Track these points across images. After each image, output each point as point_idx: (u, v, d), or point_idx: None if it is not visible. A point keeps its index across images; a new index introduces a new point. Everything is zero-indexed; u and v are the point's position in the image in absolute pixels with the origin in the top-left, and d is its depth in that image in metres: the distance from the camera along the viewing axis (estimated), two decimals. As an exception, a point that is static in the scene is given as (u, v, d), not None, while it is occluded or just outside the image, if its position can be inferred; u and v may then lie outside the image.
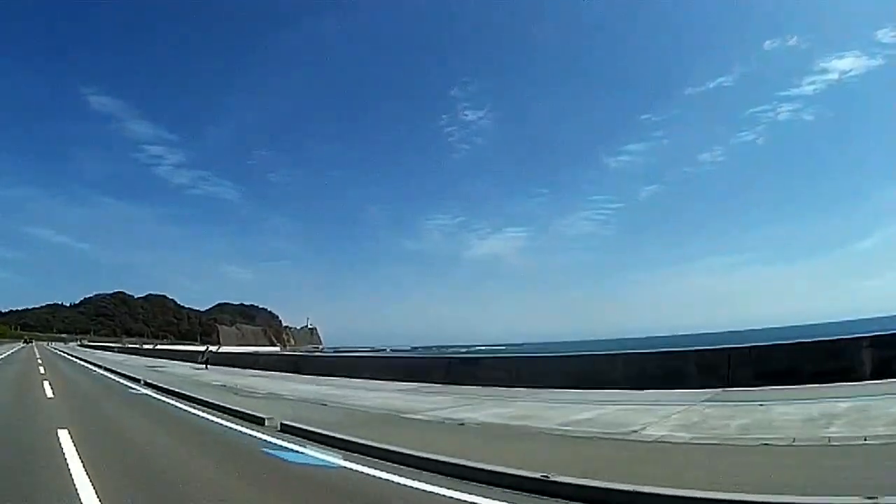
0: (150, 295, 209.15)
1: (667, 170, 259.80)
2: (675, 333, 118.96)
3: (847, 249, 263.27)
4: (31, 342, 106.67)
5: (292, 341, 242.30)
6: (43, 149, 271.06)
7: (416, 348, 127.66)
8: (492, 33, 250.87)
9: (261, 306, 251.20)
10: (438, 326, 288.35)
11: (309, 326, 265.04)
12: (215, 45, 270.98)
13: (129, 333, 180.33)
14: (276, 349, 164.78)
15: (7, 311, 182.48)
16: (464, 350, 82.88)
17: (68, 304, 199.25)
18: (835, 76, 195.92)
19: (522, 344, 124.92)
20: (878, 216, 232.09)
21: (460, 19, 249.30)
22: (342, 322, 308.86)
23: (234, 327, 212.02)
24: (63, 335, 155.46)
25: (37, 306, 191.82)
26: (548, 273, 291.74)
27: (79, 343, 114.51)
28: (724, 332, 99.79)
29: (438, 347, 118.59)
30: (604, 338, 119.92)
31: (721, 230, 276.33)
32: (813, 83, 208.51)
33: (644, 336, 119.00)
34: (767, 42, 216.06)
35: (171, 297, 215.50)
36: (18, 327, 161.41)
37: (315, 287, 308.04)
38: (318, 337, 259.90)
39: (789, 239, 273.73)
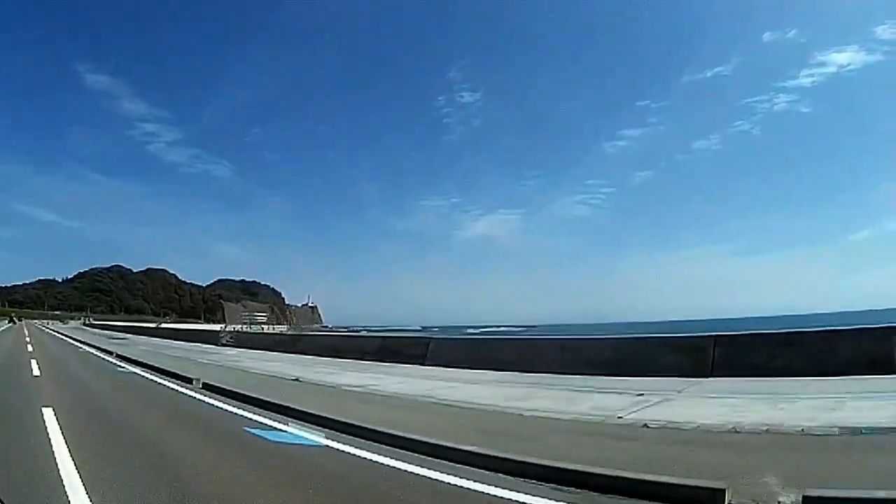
0: (150, 269, 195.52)
1: (662, 156, 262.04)
2: (665, 319, 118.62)
3: (840, 242, 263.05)
4: (22, 321, 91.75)
5: (294, 320, 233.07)
6: (36, 126, 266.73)
7: (426, 328, 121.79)
8: (491, 16, 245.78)
9: (262, 283, 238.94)
10: (434, 306, 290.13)
11: (310, 304, 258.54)
12: (211, 22, 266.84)
13: (127, 310, 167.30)
14: (286, 328, 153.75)
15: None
16: (478, 331, 77.03)
17: (61, 280, 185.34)
18: (833, 70, 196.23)
19: (535, 326, 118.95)
20: (872, 210, 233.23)
21: (457, 2, 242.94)
22: (339, 301, 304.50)
23: (240, 304, 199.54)
24: (57, 312, 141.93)
25: (27, 282, 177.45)
26: (541, 255, 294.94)
27: (84, 322, 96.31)
28: (710, 320, 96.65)
29: (444, 328, 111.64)
30: (595, 322, 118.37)
31: (713, 218, 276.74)
32: (811, 76, 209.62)
33: (634, 321, 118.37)
34: (767, 34, 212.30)
35: (171, 272, 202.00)
36: (6, 304, 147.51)
37: (312, 266, 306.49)
38: (319, 315, 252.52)
39: (780, 230, 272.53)
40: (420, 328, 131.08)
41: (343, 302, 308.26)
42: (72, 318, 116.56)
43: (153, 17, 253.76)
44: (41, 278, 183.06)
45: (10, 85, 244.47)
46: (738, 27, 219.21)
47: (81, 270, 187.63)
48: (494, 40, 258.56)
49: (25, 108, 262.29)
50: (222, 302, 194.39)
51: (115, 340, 31.41)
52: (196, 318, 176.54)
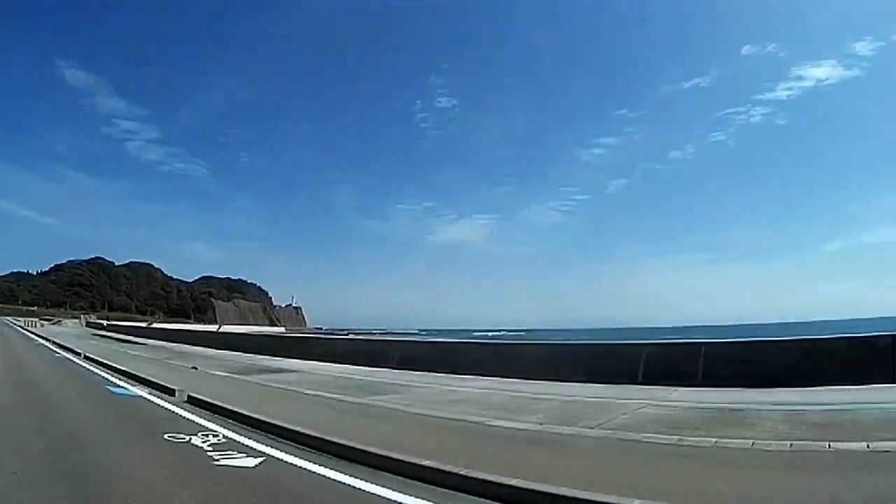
0: (133, 263, 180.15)
1: (637, 165, 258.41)
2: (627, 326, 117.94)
3: (810, 253, 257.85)
4: None
5: (281, 321, 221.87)
6: (12, 122, 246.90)
7: (421, 332, 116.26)
8: (472, 22, 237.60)
9: (249, 281, 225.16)
10: (411, 308, 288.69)
11: (294, 305, 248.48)
12: (192, 21, 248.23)
13: (111, 307, 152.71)
14: (283, 329, 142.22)
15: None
16: (485, 335, 71.91)
17: (35, 273, 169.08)
18: (810, 84, 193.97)
19: (535, 330, 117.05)
20: (843, 222, 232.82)
21: (439, 5, 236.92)
22: (318, 302, 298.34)
23: (231, 303, 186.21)
24: (33, 308, 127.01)
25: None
26: (515, 260, 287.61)
27: (87, 323, 76.74)
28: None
29: (442, 332, 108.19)
30: (566, 327, 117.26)
31: (685, 228, 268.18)
32: (788, 89, 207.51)
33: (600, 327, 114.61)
34: (746, 47, 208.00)
35: (157, 267, 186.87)
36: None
37: (290, 267, 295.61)
38: (303, 317, 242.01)
39: (753, 240, 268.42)
40: (417, 331, 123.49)
41: (322, 303, 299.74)
42: (54, 317, 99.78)
43: (134, 15, 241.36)
44: (14, 270, 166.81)
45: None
46: (718, 40, 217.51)
47: (59, 262, 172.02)
48: (473, 47, 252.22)
49: (2, 105, 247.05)
50: (213, 301, 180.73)
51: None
52: (185, 317, 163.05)
